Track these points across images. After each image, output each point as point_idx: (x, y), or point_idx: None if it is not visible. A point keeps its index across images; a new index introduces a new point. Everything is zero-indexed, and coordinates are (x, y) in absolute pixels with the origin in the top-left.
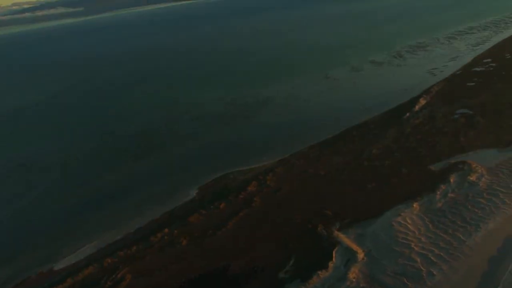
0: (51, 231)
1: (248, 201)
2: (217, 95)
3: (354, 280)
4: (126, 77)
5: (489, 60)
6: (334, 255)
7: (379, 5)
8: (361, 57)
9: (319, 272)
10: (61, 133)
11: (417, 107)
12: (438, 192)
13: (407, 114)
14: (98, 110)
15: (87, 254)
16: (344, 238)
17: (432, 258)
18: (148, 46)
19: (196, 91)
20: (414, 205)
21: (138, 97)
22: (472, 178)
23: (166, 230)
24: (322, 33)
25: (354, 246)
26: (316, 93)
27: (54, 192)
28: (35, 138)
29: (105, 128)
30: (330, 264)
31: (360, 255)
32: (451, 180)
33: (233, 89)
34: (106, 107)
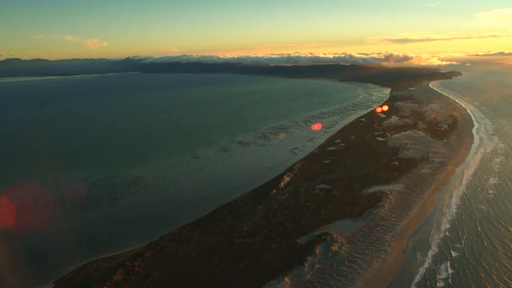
0: None
1: None
2: (81, 176)
3: None
4: None
5: (339, 140)
6: None
7: (242, 90)
8: (229, 137)
9: None
10: None
11: (282, 184)
12: (306, 264)
13: (274, 191)
14: None
15: None
16: None
17: None
18: (5, 121)
19: (58, 172)
20: (286, 280)
21: None
22: (334, 248)
23: None
24: (189, 115)
25: None
26: (185, 173)
27: None
28: None
29: None
30: None
31: None
32: (317, 252)
33: (99, 170)
34: None
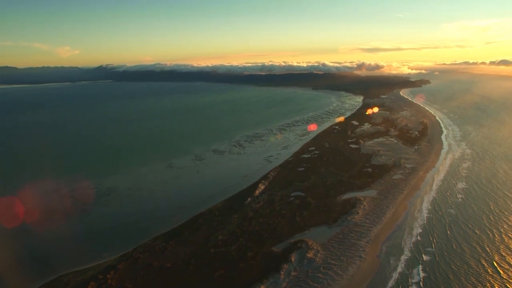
0: None
1: None
2: (50, 187)
3: None
4: None
5: (313, 148)
6: None
7: (216, 99)
8: (204, 146)
9: None
10: None
11: (257, 192)
12: (282, 272)
13: (249, 199)
14: None
15: None
16: None
17: None
18: None
19: (25, 182)
20: None
21: None
22: (310, 255)
23: None
24: (163, 124)
25: None
26: (159, 182)
27: None
28: None
29: None
30: None
31: None
32: (292, 259)
33: (70, 180)
34: None
